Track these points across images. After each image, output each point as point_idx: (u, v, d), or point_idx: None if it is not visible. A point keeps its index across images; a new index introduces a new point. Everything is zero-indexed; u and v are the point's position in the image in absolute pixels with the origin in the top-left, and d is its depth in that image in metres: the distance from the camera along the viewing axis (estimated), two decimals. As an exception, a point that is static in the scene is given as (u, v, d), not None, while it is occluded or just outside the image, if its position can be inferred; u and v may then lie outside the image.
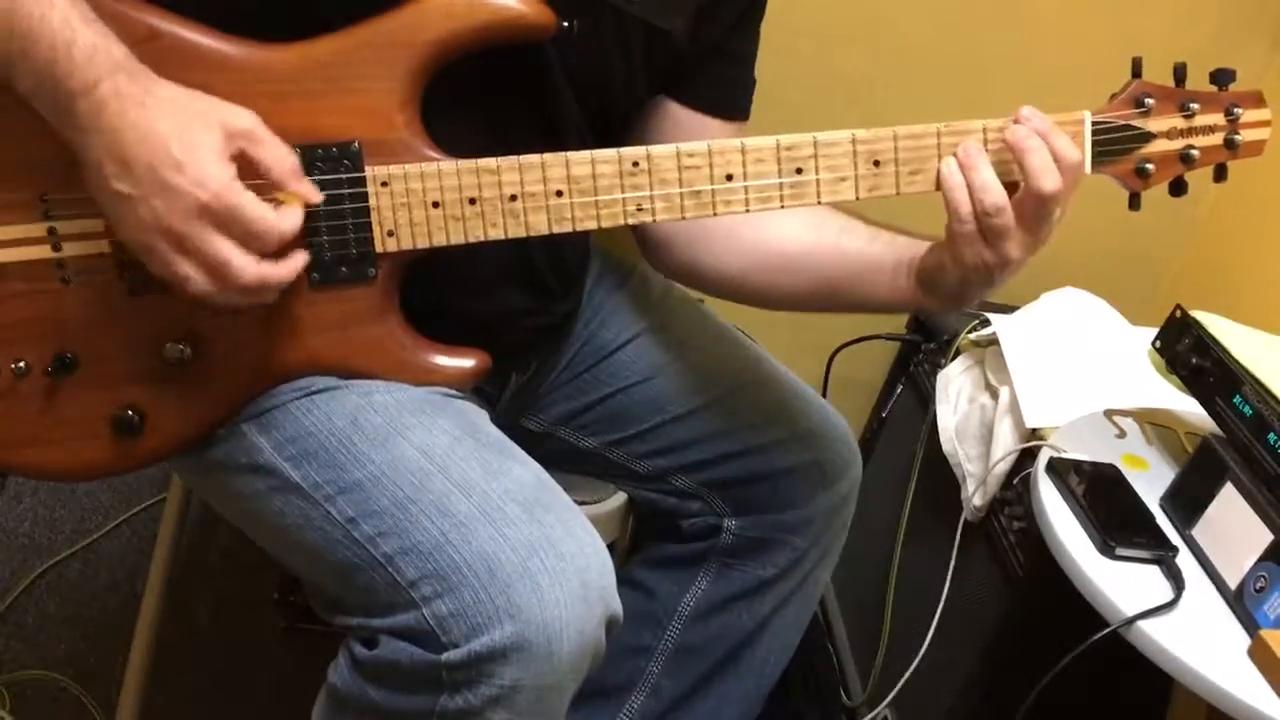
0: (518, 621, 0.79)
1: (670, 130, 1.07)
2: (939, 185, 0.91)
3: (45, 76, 0.78)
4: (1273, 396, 1.01)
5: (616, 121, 1.05)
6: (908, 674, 1.36)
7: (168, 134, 0.78)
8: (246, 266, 0.81)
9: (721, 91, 1.09)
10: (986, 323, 1.48)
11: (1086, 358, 1.40)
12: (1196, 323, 1.12)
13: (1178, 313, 1.15)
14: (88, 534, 1.77)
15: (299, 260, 0.85)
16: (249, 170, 0.82)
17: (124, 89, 0.78)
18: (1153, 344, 1.18)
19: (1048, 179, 0.87)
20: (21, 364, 0.88)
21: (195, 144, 0.79)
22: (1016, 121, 0.90)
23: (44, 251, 0.87)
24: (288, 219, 0.83)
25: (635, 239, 1.15)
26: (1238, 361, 1.06)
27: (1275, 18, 1.62)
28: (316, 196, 0.85)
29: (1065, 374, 1.34)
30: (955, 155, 0.90)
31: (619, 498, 1.26)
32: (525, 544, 0.82)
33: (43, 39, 0.77)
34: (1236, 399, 1.05)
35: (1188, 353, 1.12)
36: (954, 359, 1.51)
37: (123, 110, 0.78)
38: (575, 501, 0.90)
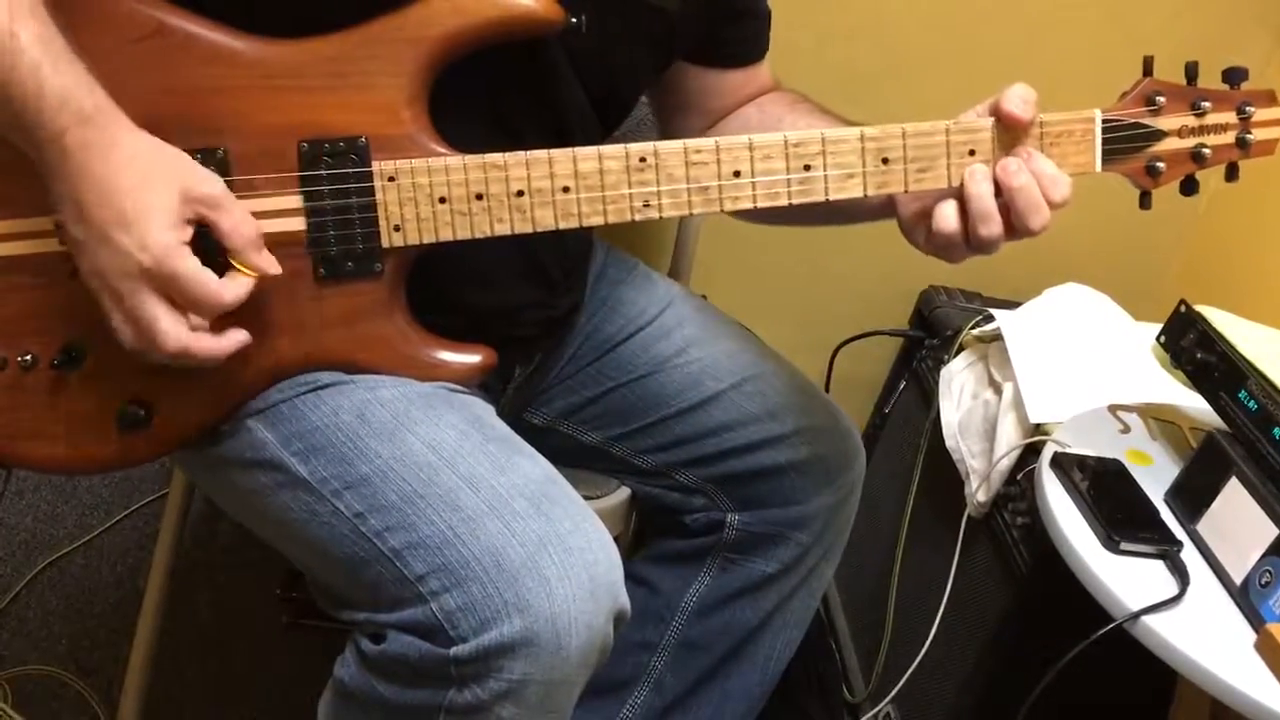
0: (526, 616, 0.79)
1: (698, 91, 1.13)
2: (954, 192, 0.91)
3: (15, 124, 0.79)
4: (1278, 391, 1.01)
5: (623, 107, 1.05)
6: (911, 670, 1.37)
7: (124, 191, 0.79)
8: (171, 332, 0.81)
9: (742, 47, 1.13)
10: (990, 318, 1.48)
11: (1090, 353, 1.40)
12: (1201, 317, 1.12)
13: (1182, 308, 1.15)
14: (90, 529, 1.76)
15: (232, 339, 0.85)
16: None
17: (90, 140, 0.79)
18: (1157, 339, 1.18)
19: (1035, 219, 0.88)
20: (28, 356, 0.88)
21: (148, 205, 0.79)
22: (1009, 118, 0.89)
23: (51, 244, 0.87)
24: (231, 290, 0.82)
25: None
26: (1243, 356, 1.06)
27: (1279, 10, 1.62)
28: (274, 269, 0.85)
29: (1069, 369, 1.34)
30: (963, 183, 0.90)
31: (622, 493, 1.26)
32: (533, 539, 0.82)
33: (11, 87, 0.78)
34: (1241, 394, 1.05)
35: (1192, 348, 1.12)
36: (957, 355, 1.51)
37: (86, 161, 0.79)
38: (577, 497, 0.90)
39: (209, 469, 0.98)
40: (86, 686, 1.52)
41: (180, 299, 0.81)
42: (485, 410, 0.96)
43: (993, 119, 0.90)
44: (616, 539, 1.27)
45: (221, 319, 0.84)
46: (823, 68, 1.60)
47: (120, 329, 0.82)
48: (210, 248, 0.83)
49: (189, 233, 0.81)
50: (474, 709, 0.82)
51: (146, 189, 0.79)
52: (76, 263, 0.82)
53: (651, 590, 1.23)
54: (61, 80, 0.78)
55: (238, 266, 0.83)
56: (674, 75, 1.12)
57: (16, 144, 0.81)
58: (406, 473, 0.86)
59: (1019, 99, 0.89)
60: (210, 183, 0.82)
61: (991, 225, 0.89)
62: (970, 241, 0.90)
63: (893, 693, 1.41)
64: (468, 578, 0.81)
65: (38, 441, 0.91)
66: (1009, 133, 0.90)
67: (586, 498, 1.23)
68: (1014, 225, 0.89)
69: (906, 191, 0.92)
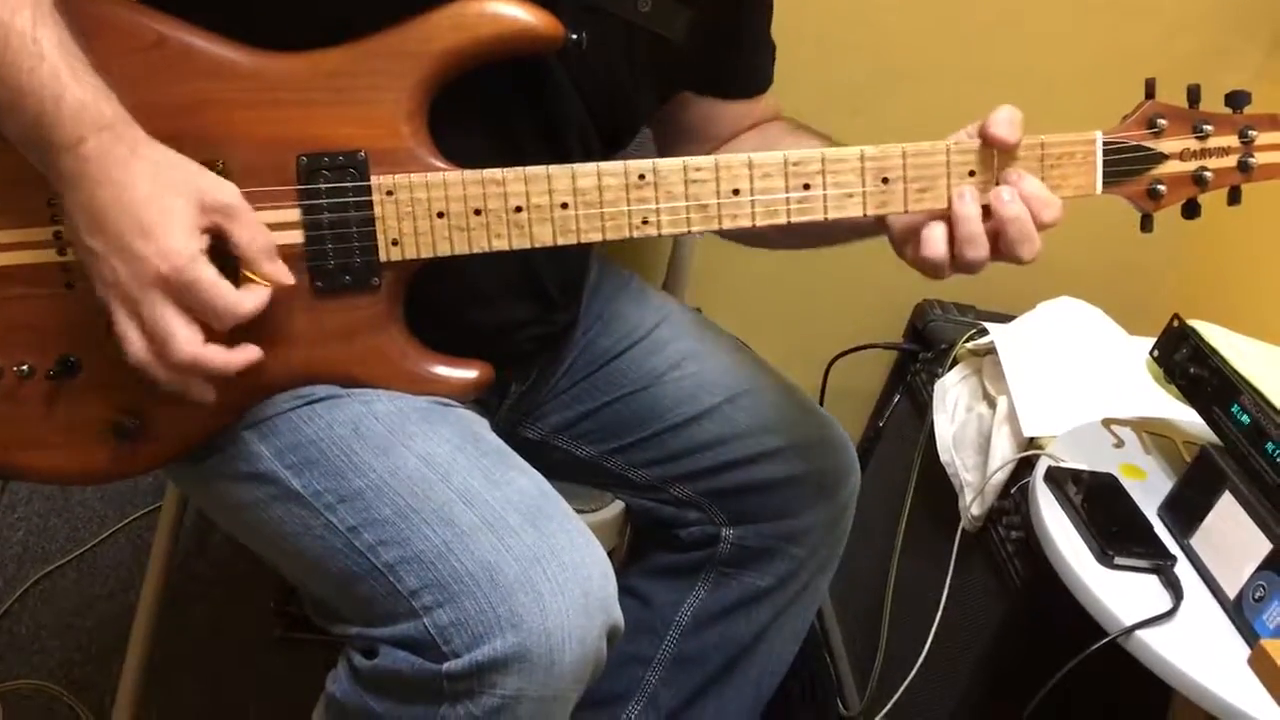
0: (519, 631, 0.79)
1: (700, 120, 1.12)
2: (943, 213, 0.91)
3: (32, 129, 0.79)
4: (1270, 406, 1.02)
5: (625, 130, 1.05)
6: (905, 684, 1.36)
7: (142, 199, 0.79)
8: (186, 344, 0.80)
9: (746, 79, 1.13)
10: (984, 332, 1.48)
11: (1084, 367, 1.40)
12: (1194, 332, 1.13)
13: (1175, 322, 1.15)
14: (82, 543, 1.76)
15: (246, 354, 0.84)
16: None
17: (108, 148, 0.79)
18: (1150, 353, 1.18)
19: (1025, 249, 0.88)
20: (25, 366, 0.88)
21: (167, 213, 0.79)
22: (995, 141, 0.89)
23: (50, 255, 0.87)
24: (248, 300, 0.82)
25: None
26: (1235, 371, 1.07)
27: (1270, 23, 1.64)
28: (288, 279, 0.85)
29: (1063, 383, 1.35)
30: (950, 203, 0.90)
31: (616, 506, 1.26)
32: (527, 553, 0.82)
33: (31, 92, 0.78)
34: (1234, 408, 1.05)
35: (1185, 362, 1.12)
36: (951, 368, 1.51)
37: (105, 169, 0.79)
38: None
39: (203, 481, 0.98)
40: (78, 701, 1.51)
41: (198, 308, 0.80)
42: (480, 425, 0.96)
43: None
44: (611, 553, 1.27)
45: (231, 334, 0.83)
46: (823, 80, 1.60)
47: (130, 340, 0.81)
48: (221, 260, 0.82)
49: (206, 241, 0.81)
50: (467, 725, 0.82)
51: (164, 198, 0.79)
52: (90, 274, 0.82)
53: (646, 604, 1.23)
54: (81, 87, 0.78)
55: (251, 276, 0.83)
56: (676, 104, 1.11)
57: (27, 153, 0.81)
58: (400, 487, 0.86)
59: (1005, 121, 0.88)
60: (225, 191, 0.82)
61: (978, 249, 0.88)
62: (955, 263, 0.90)
63: (888, 706, 1.40)
64: (461, 593, 0.81)
65: (34, 451, 0.91)
66: (1003, 154, 0.90)
67: (580, 512, 1.23)
68: (1001, 251, 0.89)
69: (906, 212, 0.92)
